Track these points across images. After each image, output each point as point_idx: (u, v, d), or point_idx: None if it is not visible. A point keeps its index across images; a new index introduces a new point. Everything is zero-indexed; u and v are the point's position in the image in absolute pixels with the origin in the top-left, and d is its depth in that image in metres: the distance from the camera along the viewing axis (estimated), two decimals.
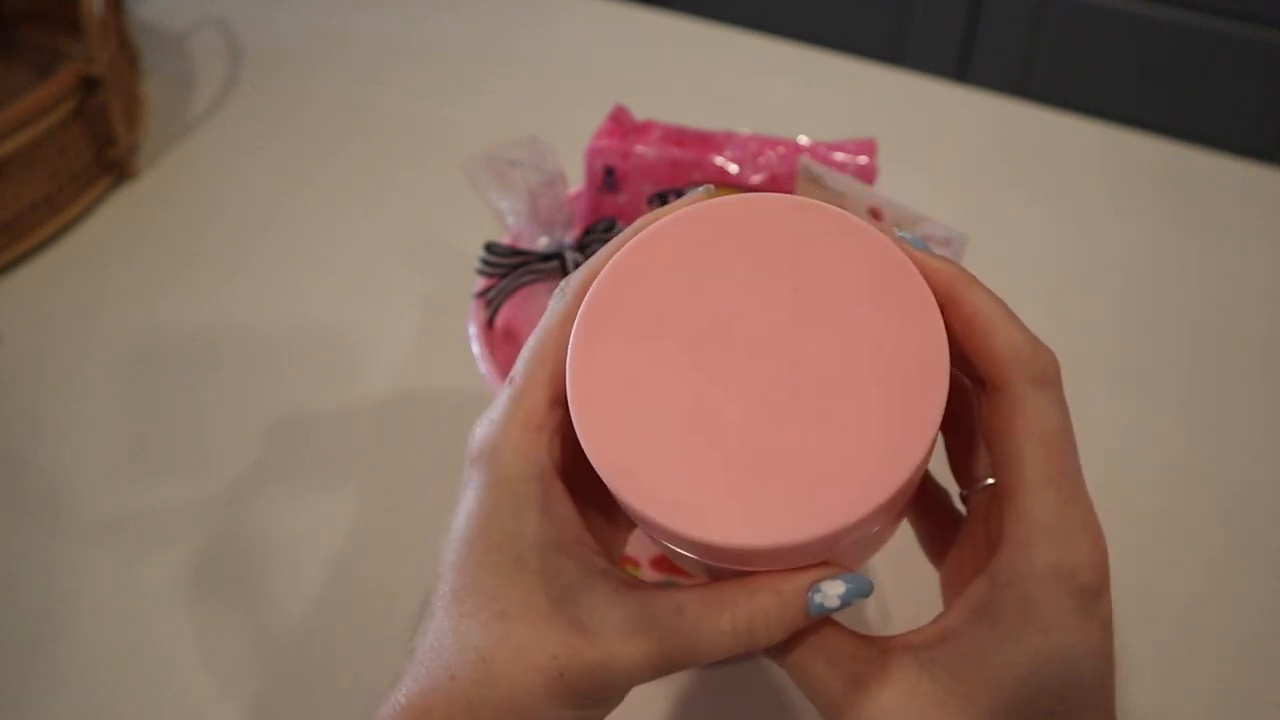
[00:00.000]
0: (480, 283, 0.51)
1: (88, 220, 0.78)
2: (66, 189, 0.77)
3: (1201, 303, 0.70)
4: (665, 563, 0.47)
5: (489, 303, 0.50)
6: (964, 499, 0.34)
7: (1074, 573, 0.27)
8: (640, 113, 0.56)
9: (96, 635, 0.55)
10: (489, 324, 0.51)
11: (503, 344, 0.53)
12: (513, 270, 0.50)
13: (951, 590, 0.33)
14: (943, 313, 0.28)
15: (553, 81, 0.90)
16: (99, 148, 0.79)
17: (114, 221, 0.78)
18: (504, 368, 0.50)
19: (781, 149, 0.52)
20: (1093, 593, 0.27)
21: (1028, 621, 0.27)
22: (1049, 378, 0.28)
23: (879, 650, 0.29)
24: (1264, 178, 0.79)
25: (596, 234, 0.51)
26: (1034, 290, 0.69)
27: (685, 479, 0.26)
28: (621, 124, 0.54)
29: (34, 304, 0.72)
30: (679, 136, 0.53)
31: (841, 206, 0.48)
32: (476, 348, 0.49)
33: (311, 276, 0.74)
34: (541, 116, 0.86)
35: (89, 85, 0.75)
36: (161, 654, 0.54)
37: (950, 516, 0.36)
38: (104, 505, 0.60)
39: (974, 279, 0.29)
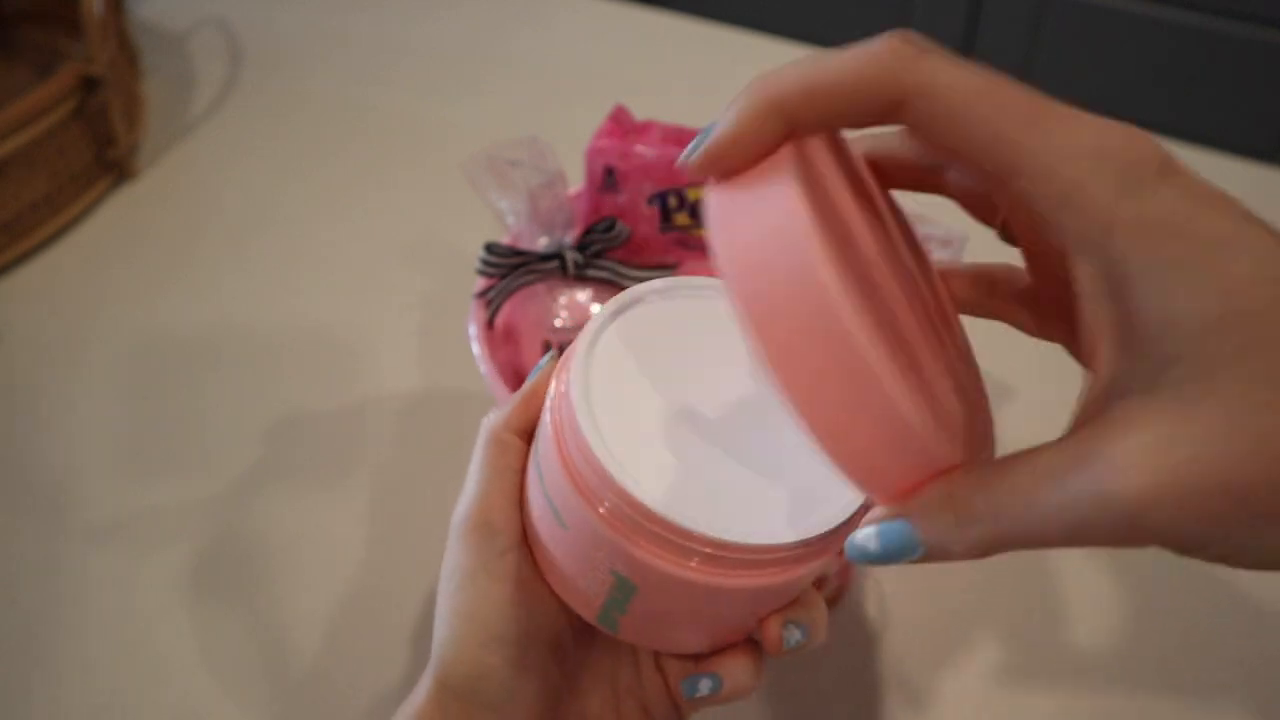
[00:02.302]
0: (480, 283, 0.51)
1: (88, 220, 0.78)
2: (66, 189, 0.77)
3: None
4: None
5: (489, 303, 0.50)
6: (1006, 238, 0.29)
7: (1133, 166, 0.22)
8: (640, 113, 0.56)
9: (97, 635, 0.55)
10: (489, 324, 0.51)
11: (503, 344, 0.53)
12: (513, 270, 0.51)
13: (1063, 327, 0.28)
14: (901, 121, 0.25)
15: (553, 81, 0.90)
16: (99, 148, 0.79)
17: (114, 221, 0.78)
18: (504, 368, 0.50)
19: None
20: (1156, 161, 0.22)
21: (1154, 247, 0.21)
22: (929, 45, 0.24)
23: (1077, 436, 0.23)
24: (1263, 177, 0.79)
25: (596, 234, 0.51)
26: None
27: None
28: (621, 124, 0.54)
29: (34, 304, 0.72)
30: (679, 136, 0.53)
31: None
32: (476, 348, 0.49)
33: (311, 276, 0.74)
34: (541, 117, 0.86)
35: (89, 85, 0.75)
36: (161, 654, 0.54)
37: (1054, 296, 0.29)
38: (104, 505, 0.60)
39: (762, 90, 0.24)
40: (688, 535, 0.28)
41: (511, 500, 0.33)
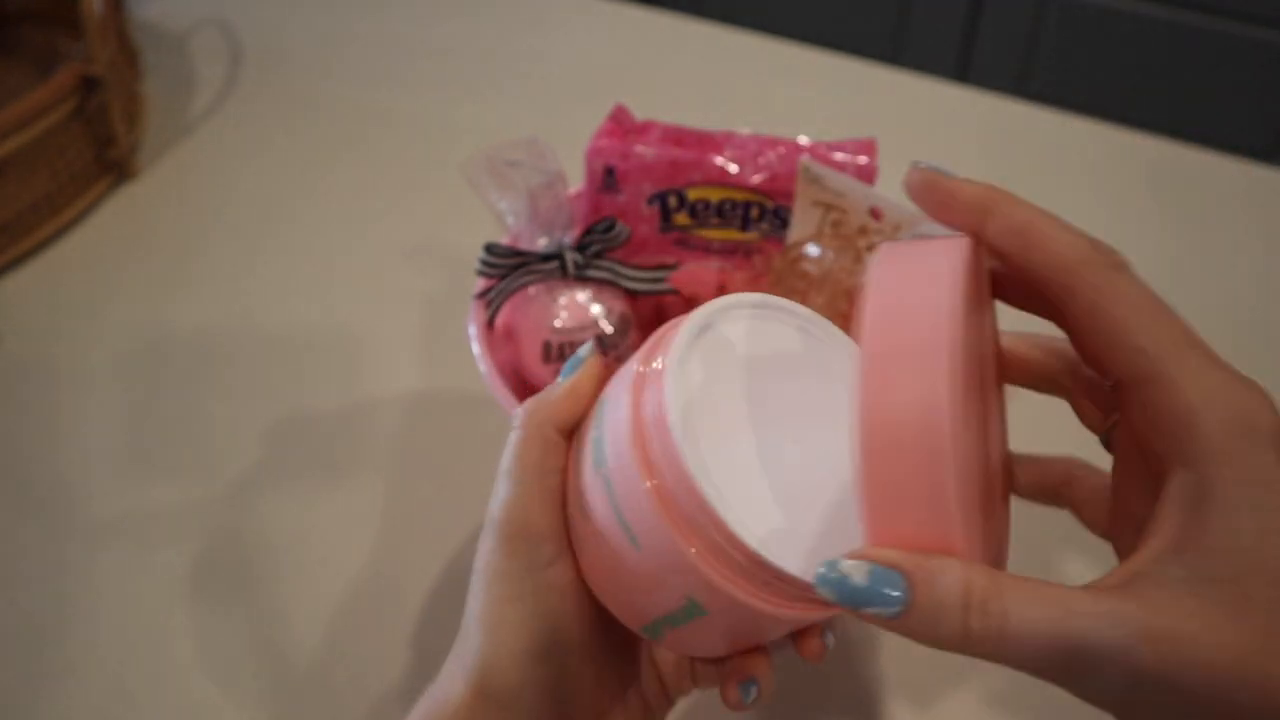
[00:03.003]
0: (480, 283, 0.51)
1: (88, 220, 0.78)
2: (66, 189, 0.77)
3: (1199, 302, 0.70)
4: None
5: (489, 303, 0.50)
6: (1106, 444, 0.32)
7: (1255, 420, 0.25)
8: (640, 113, 0.56)
9: (98, 635, 0.55)
10: (489, 324, 0.51)
11: (503, 344, 0.53)
12: (513, 271, 0.51)
13: (1129, 531, 0.30)
14: (986, 234, 0.28)
15: (553, 82, 0.90)
16: (99, 148, 0.79)
17: (114, 222, 0.79)
18: (504, 368, 0.50)
19: (781, 149, 0.52)
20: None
21: (1246, 484, 0.24)
22: (1122, 263, 0.27)
23: (1105, 590, 0.25)
24: (1261, 177, 0.79)
25: (596, 234, 0.51)
26: None
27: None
28: (621, 124, 0.54)
29: (34, 304, 0.72)
30: (679, 136, 0.53)
31: (842, 206, 0.48)
32: (476, 348, 0.49)
33: (312, 277, 0.74)
34: (541, 117, 0.86)
35: (89, 85, 0.75)
36: (163, 653, 0.54)
37: (1099, 484, 0.34)
38: (105, 505, 0.60)
39: (1010, 195, 0.28)
40: (783, 578, 0.28)
41: (556, 504, 0.32)
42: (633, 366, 0.31)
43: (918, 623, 0.25)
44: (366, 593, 0.56)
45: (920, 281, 0.26)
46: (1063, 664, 0.24)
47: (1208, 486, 0.25)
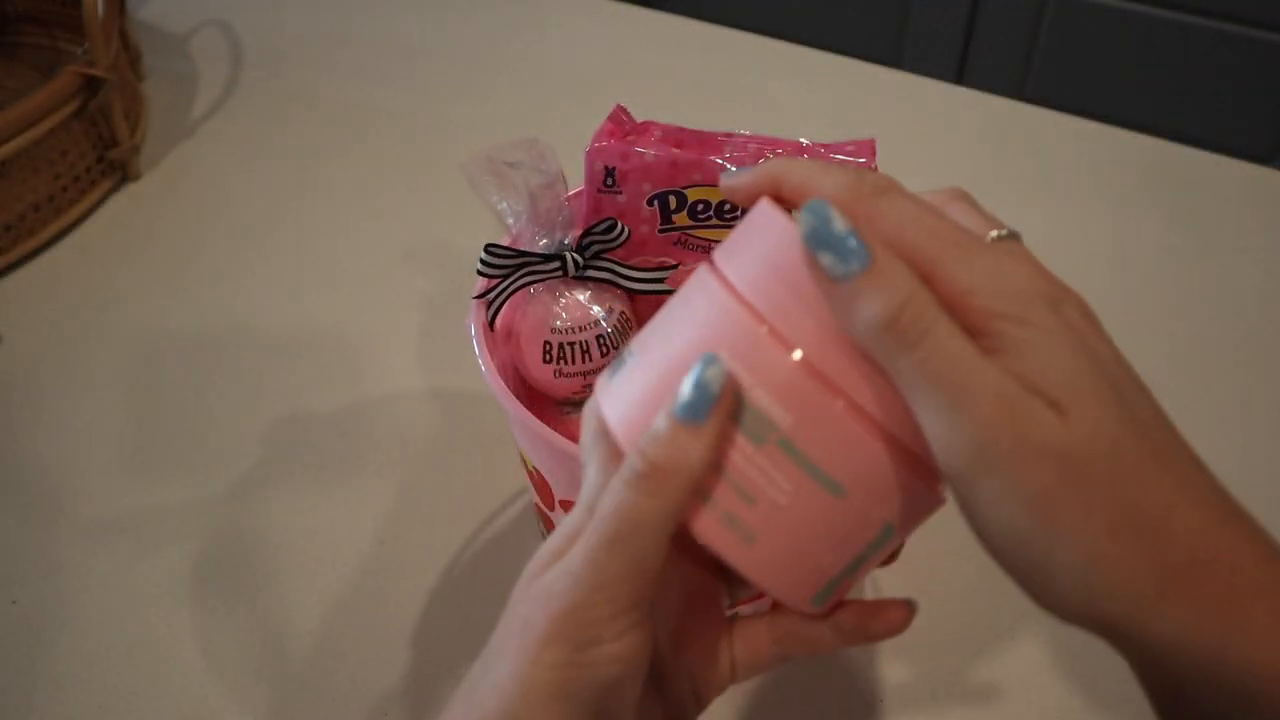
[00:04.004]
0: (480, 284, 0.51)
1: (90, 221, 0.79)
2: (69, 190, 0.77)
3: (1198, 303, 0.70)
4: None
5: (489, 304, 0.51)
6: None
7: (1022, 285, 0.26)
8: (640, 113, 0.56)
9: (98, 633, 0.55)
10: (489, 325, 0.51)
11: (503, 345, 0.53)
12: (513, 271, 0.51)
13: None
14: (784, 200, 0.30)
15: (553, 82, 0.90)
16: (101, 149, 0.79)
17: (116, 222, 0.79)
18: (504, 368, 0.50)
19: (781, 150, 0.52)
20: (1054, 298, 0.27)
21: (1029, 331, 0.26)
22: (887, 185, 0.28)
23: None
24: (1259, 178, 0.79)
25: (596, 234, 0.51)
26: None
27: None
28: (621, 124, 0.54)
29: (36, 304, 0.72)
30: (679, 137, 0.54)
31: None
32: (477, 348, 0.49)
33: (313, 277, 0.74)
34: (542, 117, 0.86)
35: (91, 86, 0.75)
36: (162, 653, 0.54)
37: None
38: (105, 505, 0.60)
39: (788, 159, 0.29)
40: None
41: (661, 570, 0.29)
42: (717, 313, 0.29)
43: (862, 288, 0.26)
44: (366, 593, 0.56)
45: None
46: (951, 397, 0.25)
47: (1000, 341, 0.26)
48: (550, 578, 0.29)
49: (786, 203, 0.30)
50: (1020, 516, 0.25)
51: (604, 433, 0.30)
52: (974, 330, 0.26)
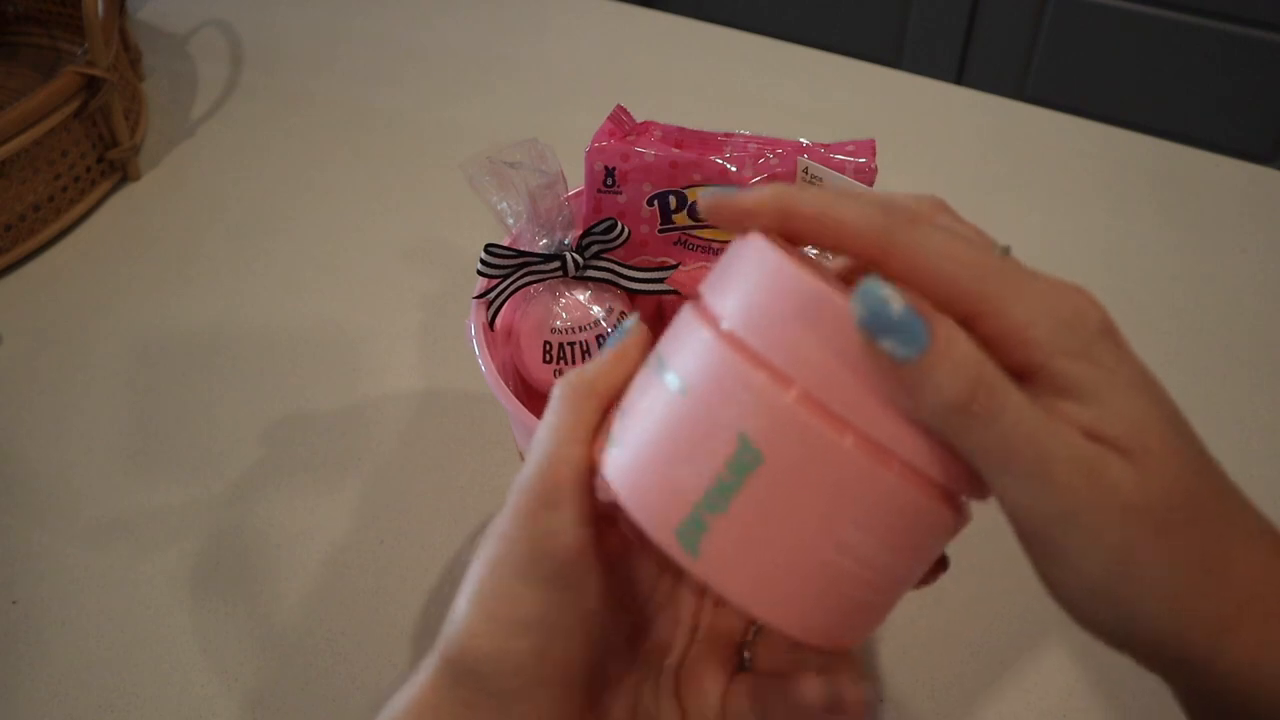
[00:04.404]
0: (481, 284, 0.51)
1: (90, 221, 0.79)
2: (69, 190, 0.77)
3: (1198, 303, 0.70)
4: None
5: (489, 304, 0.51)
6: None
7: (1082, 318, 0.26)
8: (640, 113, 0.56)
9: (97, 634, 0.55)
10: (490, 325, 0.51)
11: (503, 344, 0.53)
12: (513, 271, 0.51)
13: None
14: (791, 233, 0.28)
15: (553, 82, 0.90)
16: (101, 149, 0.79)
17: (116, 222, 0.79)
18: (504, 368, 0.50)
19: (781, 150, 0.52)
20: (1102, 329, 0.26)
21: (1090, 370, 0.26)
22: (918, 215, 0.28)
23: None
24: (1259, 178, 0.79)
25: (596, 234, 0.51)
26: None
27: None
28: (621, 124, 0.54)
29: (36, 304, 0.72)
30: (679, 137, 0.54)
31: None
32: (477, 349, 0.49)
33: (313, 278, 0.74)
34: (542, 117, 0.86)
35: (91, 86, 0.75)
36: (161, 654, 0.54)
37: None
38: (105, 505, 0.61)
39: (795, 189, 0.28)
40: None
41: (583, 472, 0.30)
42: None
43: (929, 369, 0.25)
44: (366, 592, 0.56)
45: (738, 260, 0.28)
46: (1029, 467, 0.25)
47: (1065, 380, 0.26)
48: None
49: (795, 236, 0.28)
50: (1102, 570, 0.26)
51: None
52: (1032, 366, 0.26)
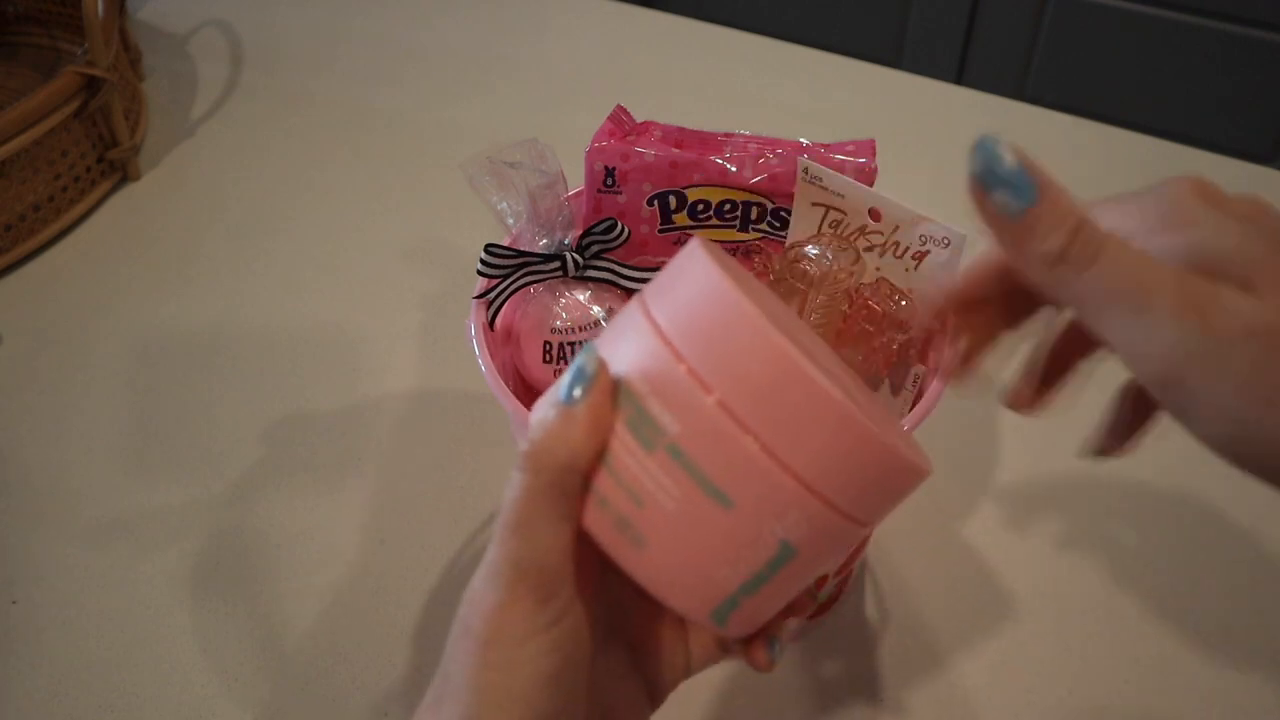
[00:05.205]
0: (481, 284, 0.51)
1: (90, 221, 0.79)
2: (69, 190, 0.77)
3: None
4: None
5: (489, 304, 0.51)
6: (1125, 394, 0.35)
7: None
8: (640, 113, 0.56)
9: (97, 634, 0.55)
10: (490, 325, 0.51)
11: (503, 345, 0.53)
12: (513, 271, 0.51)
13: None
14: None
15: (553, 82, 0.90)
16: (101, 149, 0.79)
17: (116, 222, 0.79)
18: (504, 368, 0.50)
19: (781, 150, 0.52)
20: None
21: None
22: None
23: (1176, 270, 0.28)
24: (1259, 178, 0.79)
25: (596, 235, 0.51)
26: None
27: None
28: (621, 124, 0.54)
29: (36, 304, 0.72)
30: (679, 137, 0.54)
31: (841, 207, 0.48)
32: (477, 349, 0.49)
33: (313, 278, 0.74)
34: (542, 117, 0.86)
35: (91, 86, 0.75)
36: (161, 654, 0.54)
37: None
38: (105, 505, 0.60)
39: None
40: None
41: (570, 554, 0.29)
42: (632, 320, 0.30)
43: (1033, 224, 0.27)
44: (366, 593, 0.56)
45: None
46: (1134, 301, 0.26)
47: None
48: (476, 578, 0.30)
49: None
50: (1237, 399, 0.26)
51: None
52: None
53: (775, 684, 0.52)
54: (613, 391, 0.29)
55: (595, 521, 0.30)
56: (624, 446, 0.29)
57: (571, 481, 0.29)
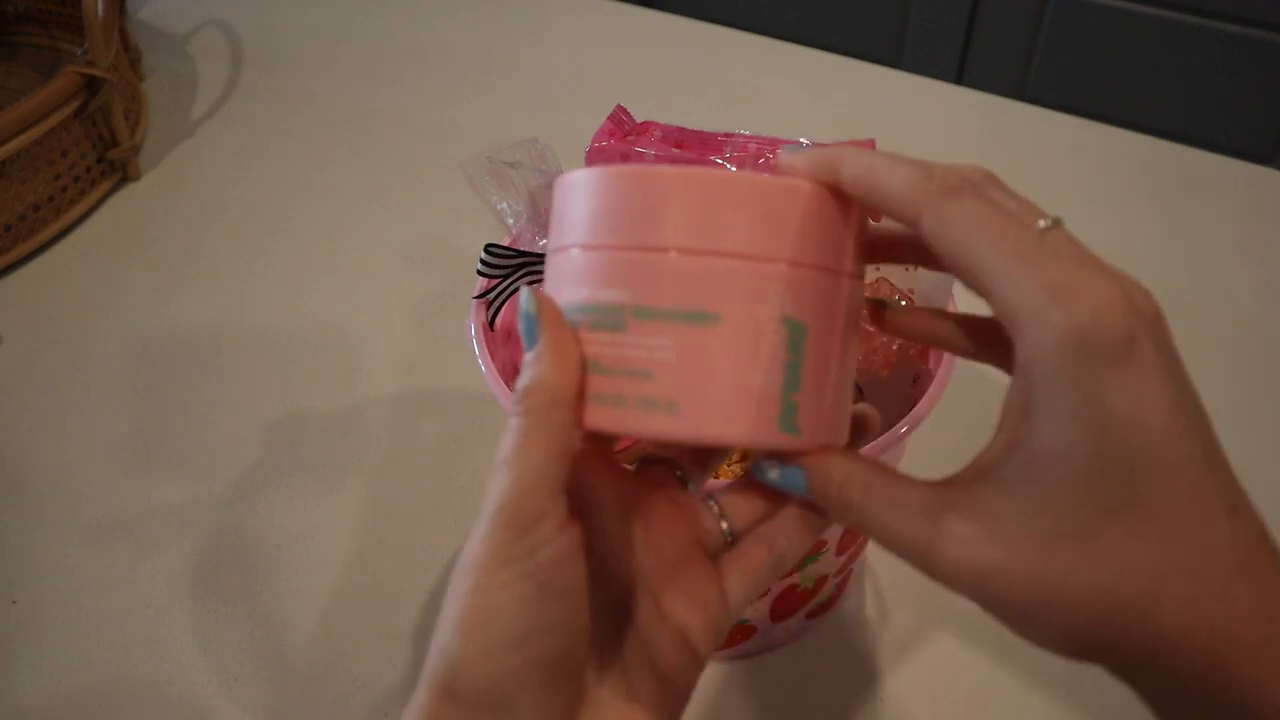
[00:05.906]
0: (481, 284, 0.51)
1: (90, 221, 0.79)
2: (69, 190, 0.77)
3: (1197, 303, 0.70)
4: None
5: (489, 304, 0.51)
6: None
7: (1080, 331, 0.26)
8: (640, 113, 0.56)
9: (97, 635, 0.55)
10: (489, 325, 0.51)
11: (503, 345, 0.53)
12: (513, 271, 0.51)
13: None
14: (844, 185, 0.30)
15: (553, 83, 0.90)
16: (101, 149, 0.79)
17: (116, 222, 0.79)
18: (504, 368, 0.50)
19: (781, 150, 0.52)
20: (1116, 343, 0.26)
21: (1063, 399, 0.26)
22: (956, 186, 0.28)
23: (952, 486, 0.29)
24: (1259, 178, 0.79)
25: None
26: None
27: None
28: (621, 125, 0.54)
29: (36, 304, 0.72)
30: (679, 137, 0.54)
31: None
32: (477, 349, 0.49)
33: (313, 277, 0.74)
34: (542, 117, 0.86)
35: (91, 86, 0.75)
36: (161, 654, 0.54)
37: None
38: (105, 505, 0.61)
39: (857, 147, 0.30)
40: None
41: (554, 489, 0.30)
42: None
43: (813, 495, 0.31)
44: (366, 592, 0.56)
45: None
46: (900, 549, 0.29)
47: (1034, 393, 0.26)
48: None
49: (845, 196, 0.30)
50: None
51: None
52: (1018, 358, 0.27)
53: (775, 683, 0.52)
54: (560, 315, 0.31)
55: (622, 419, 0.30)
56: (601, 345, 0.30)
57: (557, 417, 0.30)
